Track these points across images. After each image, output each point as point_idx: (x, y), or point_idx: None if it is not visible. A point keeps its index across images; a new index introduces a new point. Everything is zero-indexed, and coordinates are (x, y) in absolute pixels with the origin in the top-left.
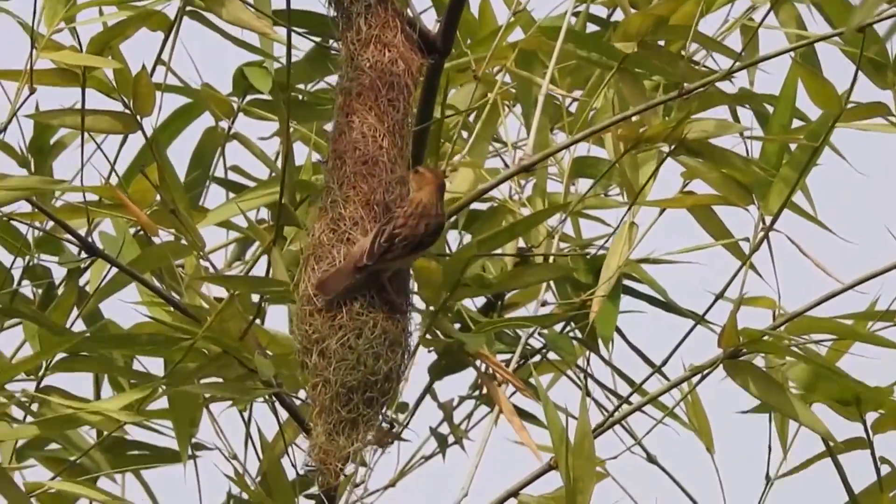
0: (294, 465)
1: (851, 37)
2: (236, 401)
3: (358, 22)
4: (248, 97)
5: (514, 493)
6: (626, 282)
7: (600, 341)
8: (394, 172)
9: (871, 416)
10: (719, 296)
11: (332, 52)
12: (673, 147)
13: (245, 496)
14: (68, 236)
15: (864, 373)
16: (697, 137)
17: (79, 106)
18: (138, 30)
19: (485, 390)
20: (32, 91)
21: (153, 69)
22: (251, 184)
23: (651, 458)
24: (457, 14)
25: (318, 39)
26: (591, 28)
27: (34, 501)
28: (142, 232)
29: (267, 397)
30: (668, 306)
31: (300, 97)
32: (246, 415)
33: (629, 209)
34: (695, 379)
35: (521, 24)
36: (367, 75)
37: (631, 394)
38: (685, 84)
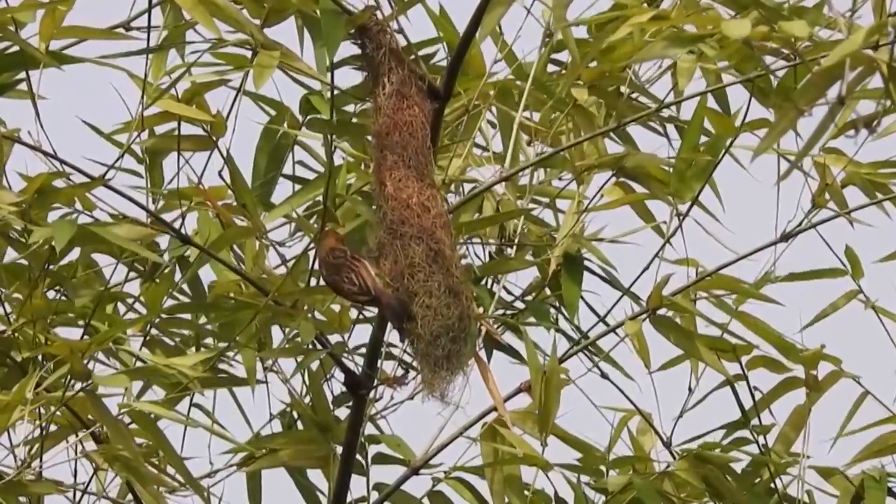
0: (331, 391)
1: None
2: (300, 365)
3: (383, 80)
4: (309, 116)
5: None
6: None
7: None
8: (423, 182)
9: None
10: (644, 269)
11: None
12: (615, 171)
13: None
14: None
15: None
16: (633, 165)
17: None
18: (222, 85)
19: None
20: (143, 130)
21: (237, 96)
22: (311, 175)
23: (604, 375)
24: (455, 71)
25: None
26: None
27: (126, 419)
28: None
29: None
30: (607, 279)
31: (352, 118)
32: None
33: (567, 186)
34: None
35: (505, 59)
36: (391, 119)
37: (581, 340)
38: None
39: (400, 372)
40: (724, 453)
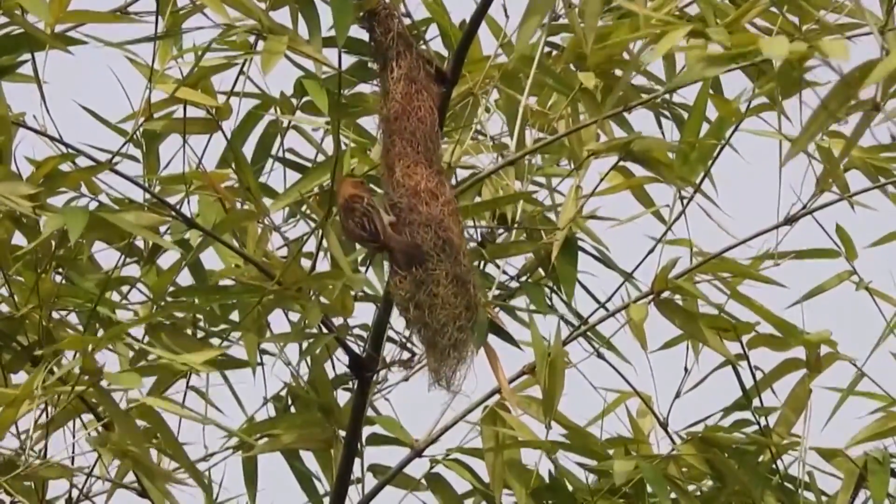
0: (334, 369)
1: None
2: (307, 349)
3: (391, 64)
4: (304, 99)
5: (498, 391)
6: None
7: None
8: (431, 168)
9: None
10: (649, 253)
11: (373, 84)
12: (623, 156)
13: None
14: None
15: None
16: (641, 149)
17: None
18: (227, 69)
19: None
20: (149, 118)
21: (235, 80)
22: (303, 162)
23: (599, 354)
24: (463, 55)
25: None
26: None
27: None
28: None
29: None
30: (604, 261)
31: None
32: None
33: (576, 170)
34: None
35: (505, 49)
36: (400, 104)
37: (581, 325)
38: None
39: (405, 355)
40: (727, 435)
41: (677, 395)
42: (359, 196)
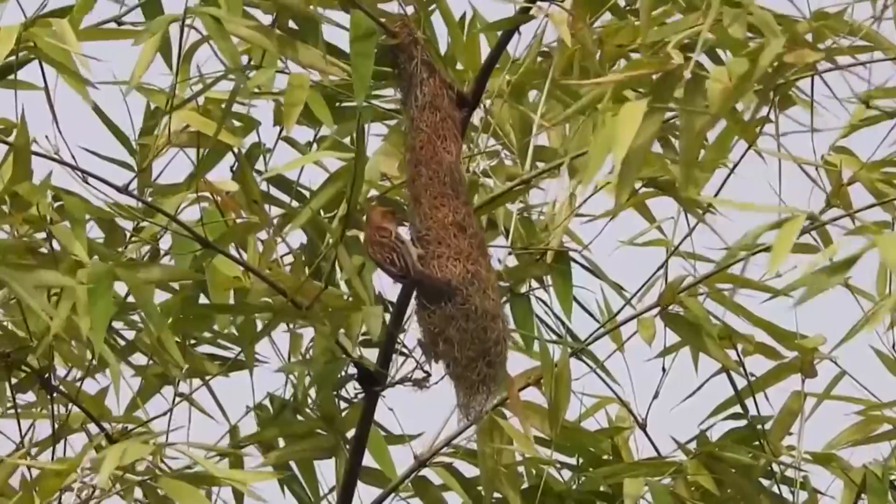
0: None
1: None
2: (326, 379)
3: (415, 92)
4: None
5: (504, 401)
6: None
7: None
8: (458, 198)
9: None
10: (659, 268)
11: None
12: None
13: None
14: None
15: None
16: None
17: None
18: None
19: None
20: (169, 143)
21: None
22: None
23: (577, 355)
24: (485, 79)
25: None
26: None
27: None
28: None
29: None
30: (589, 269)
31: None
32: None
33: (575, 187)
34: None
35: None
36: (426, 133)
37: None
38: None
39: (419, 373)
40: (725, 446)
41: (655, 396)
42: (387, 229)
